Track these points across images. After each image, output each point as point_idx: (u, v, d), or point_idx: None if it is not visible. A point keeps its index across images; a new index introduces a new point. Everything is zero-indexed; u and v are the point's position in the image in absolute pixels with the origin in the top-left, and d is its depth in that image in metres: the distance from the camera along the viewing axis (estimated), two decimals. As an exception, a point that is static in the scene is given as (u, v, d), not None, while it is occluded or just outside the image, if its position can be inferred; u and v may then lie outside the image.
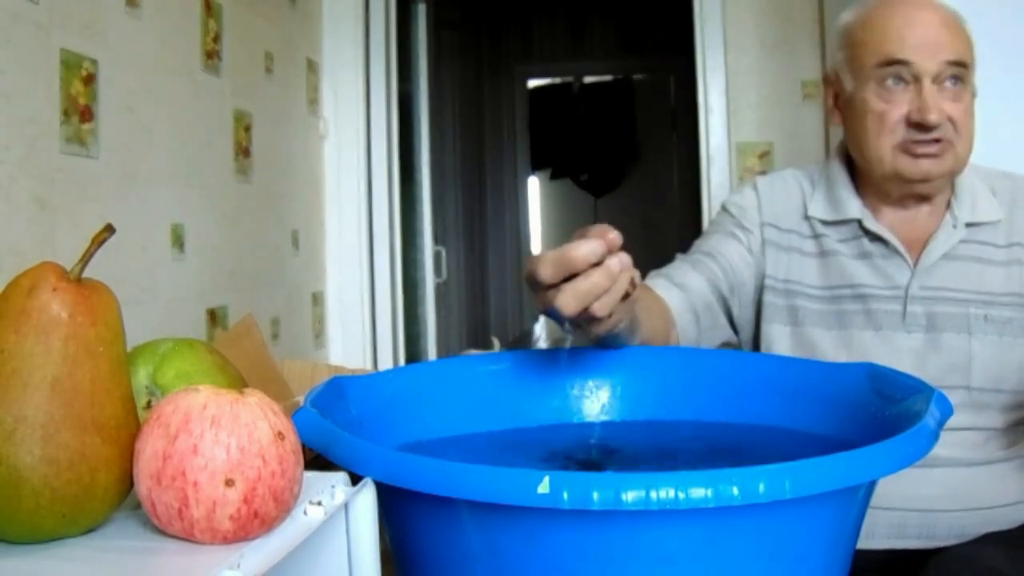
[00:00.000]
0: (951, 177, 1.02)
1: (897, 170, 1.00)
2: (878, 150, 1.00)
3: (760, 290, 1.08)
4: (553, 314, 0.68)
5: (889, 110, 0.99)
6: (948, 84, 0.98)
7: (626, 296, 0.68)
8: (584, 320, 0.68)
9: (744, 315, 1.09)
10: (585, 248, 0.63)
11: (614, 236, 0.65)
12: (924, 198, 1.04)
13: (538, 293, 0.69)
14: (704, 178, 2.41)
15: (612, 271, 0.65)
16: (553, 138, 5.65)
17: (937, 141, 0.98)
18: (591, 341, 0.83)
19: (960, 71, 0.98)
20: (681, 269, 1.08)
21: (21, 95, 1.28)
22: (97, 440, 0.47)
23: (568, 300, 0.64)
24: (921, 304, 1.01)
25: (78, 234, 1.38)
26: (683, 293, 1.04)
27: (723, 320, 1.08)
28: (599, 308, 0.66)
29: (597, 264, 0.64)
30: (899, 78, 0.98)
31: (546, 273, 0.64)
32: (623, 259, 0.65)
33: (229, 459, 0.46)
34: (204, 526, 0.46)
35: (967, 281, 1.01)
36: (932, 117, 0.96)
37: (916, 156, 0.98)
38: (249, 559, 0.46)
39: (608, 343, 0.83)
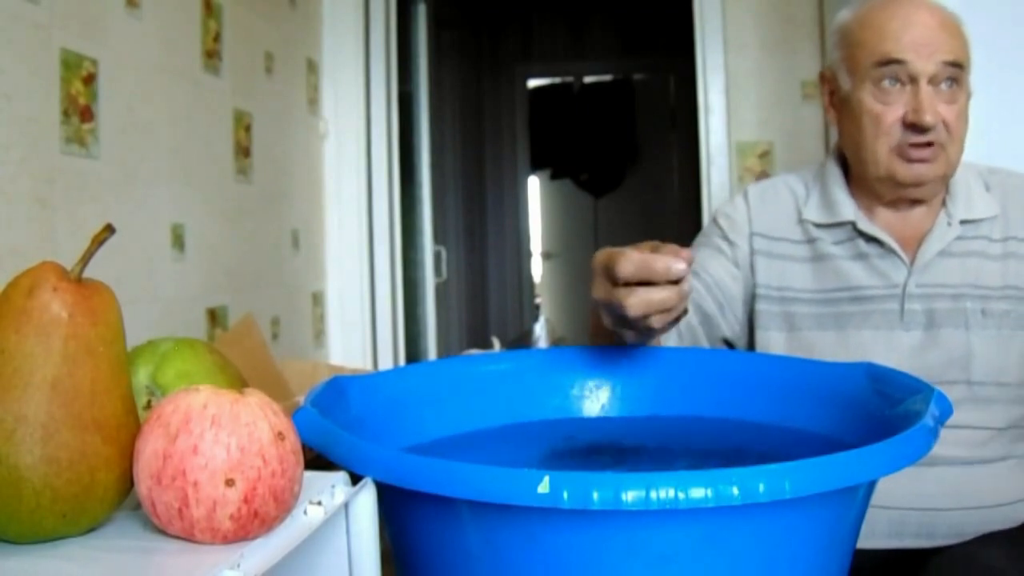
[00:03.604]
0: (943, 181, 1.02)
1: (891, 173, 1.00)
2: (874, 152, 1.00)
3: (752, 300, 1.08)
4: (612, 308, 0.71)
5: (885, 112, 0.99)
6: (944, 86, 0.98)
7: (677, 319, 0.71)
8: (639, 326, 0.71)
9: (736, 328, 1.09)
10: (671, 264, 0.66)
11: (688, 254, 0.67)
12: (916, 201, 1.04)
13: (603, 284, 0.71)
14: (704, 178, 2.41)
15: (683, 293, 0.68)
16: (553, 138, 5.63)
17: (930, 144, 0.98)
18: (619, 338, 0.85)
19: (956, 72, 0.98)
20: None
21: (21, 95, 1.28)
22: (97, 440, 0.47)
23: (637, 304, 0.67)
24: (919, 302, 1.01)
25: (78, 234, 1.38)
26: None
27: (705, 344, 1.08)
28: (658, 321, 0.69)
29: (673, 282, 0.67)
30: (895, 78, 0.98)
31: (626, 270, 0.67)
32: (689, 286, 0.69)
33: (229, 459, 0.46)
34: (204, 526, 0.46)
35: (963, 276, 1.01)
36: (927, 118, 0.96)
37: (910, 160, 0.99)
38: (249, 559, 0.46)
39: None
